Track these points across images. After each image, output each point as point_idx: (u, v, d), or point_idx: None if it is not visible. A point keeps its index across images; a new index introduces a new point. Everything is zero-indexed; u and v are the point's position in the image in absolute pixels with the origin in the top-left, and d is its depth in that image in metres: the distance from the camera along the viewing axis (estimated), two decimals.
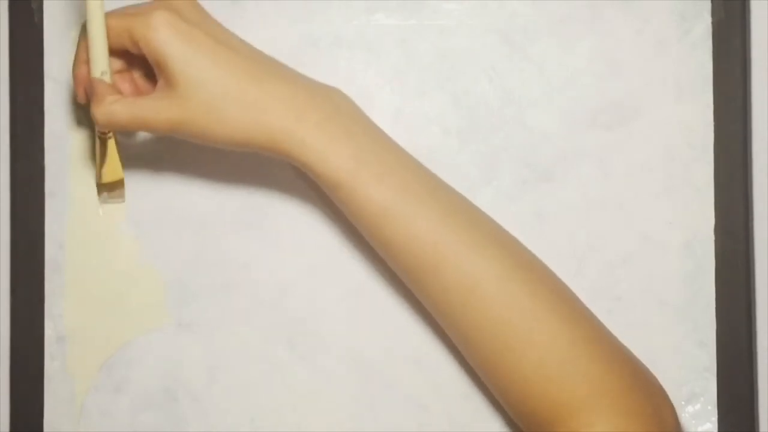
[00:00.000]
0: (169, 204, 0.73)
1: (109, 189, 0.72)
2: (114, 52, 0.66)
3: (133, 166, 0.73)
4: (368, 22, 0.73)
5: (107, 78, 0.66)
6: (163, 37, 0.63)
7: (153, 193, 0.73)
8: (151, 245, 0.73)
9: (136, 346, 0.73)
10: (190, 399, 0.73)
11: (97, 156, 0.70)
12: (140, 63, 0.67)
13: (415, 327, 0.73)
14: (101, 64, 0.66)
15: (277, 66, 0.66)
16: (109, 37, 0.65)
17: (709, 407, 0.72)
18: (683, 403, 0.72)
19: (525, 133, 0.73)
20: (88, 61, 0.66)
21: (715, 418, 0.72)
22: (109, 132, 0.69)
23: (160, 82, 0.65)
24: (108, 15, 0.65)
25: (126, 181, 0.73)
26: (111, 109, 0.65)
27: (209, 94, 0.64)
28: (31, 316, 0.73)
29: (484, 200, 0.72)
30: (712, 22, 0.73)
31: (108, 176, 0.71)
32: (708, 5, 0.72)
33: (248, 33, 0.71)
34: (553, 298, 0.65)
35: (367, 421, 0.73)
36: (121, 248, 0.73)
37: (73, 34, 0.73)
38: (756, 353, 0.73)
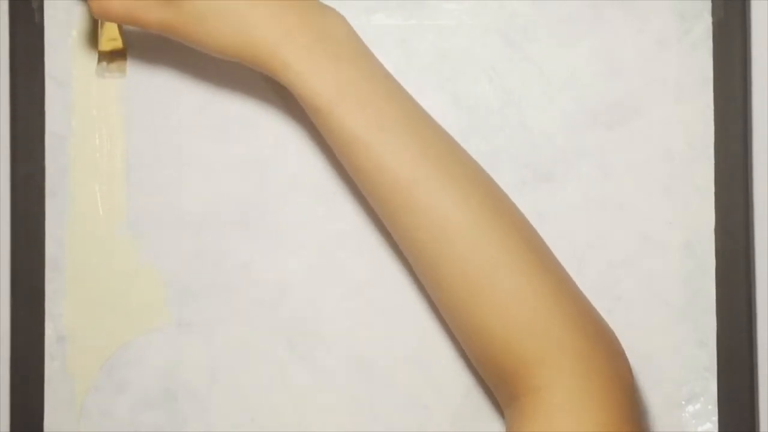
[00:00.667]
0: (169, 204, 0.73)
1: (108, 59, 0.72)
2: None
3: (134, 166, 0.73)
4: (368, 22, 0.73)
5: None
6: None
7: (153, 193, 0.73)
8: (151, 245, 0.73)
9: (136, 346, 0.73)
10: (190, 399, 0.73)
11: (99, 26, 0.71)
12: None
13: (415, 327, 0.73)
14: None
15: None
16: None
17: (709, 407, 0.72)
18: (683, 403, 0.72)
19: (525, 133, 0.73)
20: None
21: (715, 418, 0.72)
22: None
23: None
24: None
25: (126, 181, 0.73)
26: (107, 2, 0.66)
27: (201, 4, 0.65)
28: (31, 316, 0.73)
29: None
30: (712, 22, 0.72)
31: (106, 44, 0.71)
32: (708, 5, 0.72)
33: None
34: (522, 247, 0.64)
35: (367, 421, 0.73)
36: (121, 248, 0.73)
37: (74, 33, 0.73)
38: (756, 353, 0.73)
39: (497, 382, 0.65)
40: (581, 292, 0.66)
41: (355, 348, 0.73)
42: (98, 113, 0.73)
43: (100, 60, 0.73)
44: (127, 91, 0.73)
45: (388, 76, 0.67)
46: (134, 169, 0.73)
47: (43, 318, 0.73)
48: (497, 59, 0.73)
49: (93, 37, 0.73)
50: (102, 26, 0.71)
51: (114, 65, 0.72)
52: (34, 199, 0.73)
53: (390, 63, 0.73)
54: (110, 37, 0.72)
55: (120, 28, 0.71)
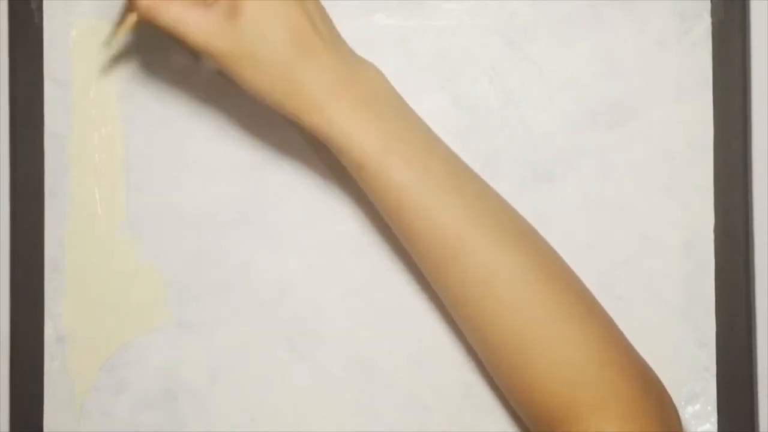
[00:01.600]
0: (169, 204, 0.73)
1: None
2: None
3: (134, 166, 0.73)
4: (368, 22, 0.73)
5: None
6: None
7: (153, 193, 0.73)
8: (151, 245, 0.73)
9: (136, 346, 0.73)
10: (190, 399, 0.73)
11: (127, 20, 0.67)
12: None
13: (415, 327, 0.73)
14: None
15: (328, 36, 0.65)
16: None
17: (709, 407, 0.72)
18: (683, 403, 0.72)
19: (525, 133, 0.73)
20: None
21: (715, 418, 0.72)
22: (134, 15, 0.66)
23: (224, 3, 0.63)
24: None
25: (126, 181, 0.73)
26: (157, 3, 0.64)
27: (260, 48, 0.63)
28: (31, 316, 0.73)
29: None
30: (712, 22, 0.73)
31: (121, 34, 0.68)
32: (708, 5, 0.72)
33: None
34: (571, 299, 0.65)
35: (367, 421, 0.73)
36: (121, 248, 0.73)
37: (74, 33, 0.73)
38: (756, 353, 0.73)
39: (544, 428, 0.65)
40: (623, 334, 0.67)
41: (355, 348, 0.73)
42: (98, 113, 0.73)
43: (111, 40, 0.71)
44: (127, 91, 0.73)
45: (428, 130, 0.67)
46: (134, 169, 0.73)
47: (43, 318, 0.73)
48: (497, 59, 0.73)
49: (117, 25, 0.71)
50: (132, 22, 0.67)
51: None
52: (34, 199, 0.73)
53: (390, 63, 0.73)
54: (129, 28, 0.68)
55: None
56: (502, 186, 0.72)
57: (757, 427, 0.72)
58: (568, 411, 0.63)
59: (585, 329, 0.64)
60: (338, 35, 0.66)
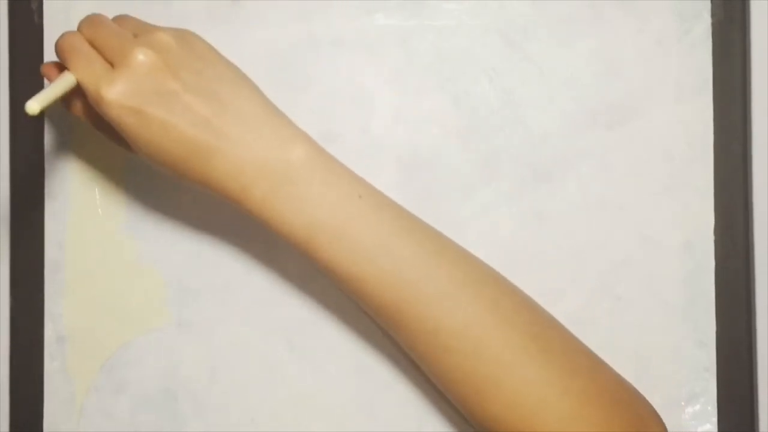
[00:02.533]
0: (169, 204, 0.73)
1: None
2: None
3: (134, 166, 0.73)
4: (368, 22, 0.73)
5: None
6: (115, 112, 0.63)
7: (153, 193, 0.74)
8: (151, 245, 0.74)
9: (136, 346, 0.73)
10: (190, 399, 0.73)
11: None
12: None
13: None
14: None
15: (232, 121, 0.64)
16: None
17: (709, 407, 0.72)
18: (683, 403, 0.72)
19: (525, 133, 0.73)
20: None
21: (715, 418, 0.72)
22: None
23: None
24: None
25: (126, 181, 0.73)
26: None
27: (159, 165, 0.65)
28: (31, 316, 0.73)
29: (484, 200, 0.72)
30: (712, 22, 0.73)
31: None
32: (708, 5, 0.73)
33: (248, 33, 0.72)
34: (524, 340, 0.64)
35: (367, 421, 0.73)
36: (121, 248, 0.73)
37: None
38: (756, 353, 0.73)
39: None
40: (589, 354, 0.66)
41: (354, 348, 0.73)
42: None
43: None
44: None
45: (360, 195, 0.65)
46: (134, 169, 0.73)
47: (43, 318, 0.73)
48: (497, 59, 0.73)
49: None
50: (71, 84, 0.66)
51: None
52: (34, 200, 0.73)
53: (390, 63, 0.73)
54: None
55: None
56: (502, 186, 0.73)
57: (757, 427, 0.72)
58: None
59: (540, 368, 0.63)
60: (248, 112, 0.65)
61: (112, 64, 0.64)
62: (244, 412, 0.73)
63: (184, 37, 0.65)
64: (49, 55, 0.73)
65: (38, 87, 0.73)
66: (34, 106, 0.62)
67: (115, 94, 0.63)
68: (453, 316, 0.64)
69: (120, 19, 0.68)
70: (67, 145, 0.74)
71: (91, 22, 0.66)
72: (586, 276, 0.72)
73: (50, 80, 0.66)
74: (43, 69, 0.67)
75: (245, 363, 0.73)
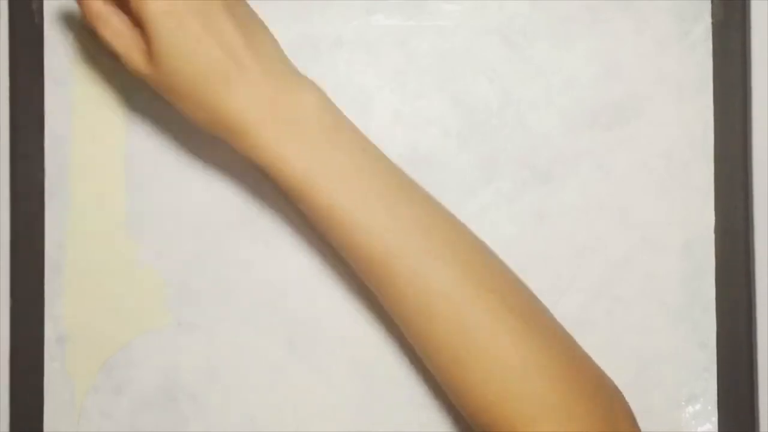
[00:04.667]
0: (169, 204, 0.74)
1: None
2: None
3: (134, 166, 0.73)
4: (368, 22, 0.73)
5: None
6: (153, 10, 0.64)
7: (153, 193, 0.74)
8: (151, 245, 0.74)
9: (136, 346, 0.73)
10: (190, 399, 0.73)
11: None
12: None
13: None
14: None
15: (249, 60, 0.66)
16: None
17: (709, 407, 0.72)
18: (683, 403, 0.72)
19: (525, 133, 0.73)
20: None
21: (715, 418, 0.72)
22: None
23: (141, 31, 0.66)
24: None
25: (126, 181, 0.73)
26: (101, 17, 0.67)
27: (174, 80, 0.65)
28: (31, 316, 0.73)
29: (484, 201, 0.72)
30: (712, 23, 0.73)
31: None
32: (708, 6, 0.73)
33: None
34: (505, 312, 0.64)
35: (367, 421, 0.73)
36: (121, 248, 0.73)
37: (73, 33, 0.73)
38: (756, 353, 0.73)
39: None
40: (580, 349, 0.66)
41: (355, 348, 0.73)
42: (98, 113, 0.73)
43: None
44: (128, 91, 0.73)
45: (364, 148, 0.67)
46: (134, 169, 0.73)
47: (42, 318, 0.73)
48: (497, 59, 0.73)
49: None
50: None
51: None
52: (34, 199, 0.73)
53: (390, 63, 0.73)
54: None
55: None
56: (502, 186, 0.73)
57: (757, 427, 0.72)
58: (511, 422, 0.63)
59: (521, 344, 0.64)
60: (269, 53, 0.66)
61: None
62: (244, 412, 0.73)
63: None
64: (49, 55, 0.73)
65: (38, 87, 0.73)
66: None
67: None
68: (441, 276, 0.64)
69: None
70: (67, 145, 0.74)
71: None
72: (586, 276, 0.72)
73: None
74: None
75: (245, 363, 0.73)
